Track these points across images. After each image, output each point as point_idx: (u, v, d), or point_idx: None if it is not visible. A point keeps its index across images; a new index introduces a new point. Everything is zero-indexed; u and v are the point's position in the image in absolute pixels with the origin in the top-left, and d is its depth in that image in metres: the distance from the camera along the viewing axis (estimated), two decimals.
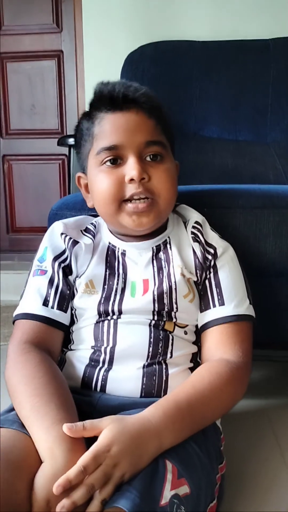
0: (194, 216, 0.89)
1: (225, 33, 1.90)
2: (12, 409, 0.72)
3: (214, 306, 0.82)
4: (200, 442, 0.70)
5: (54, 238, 0.86)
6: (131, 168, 0.78)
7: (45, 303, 0.81)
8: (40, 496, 0.57)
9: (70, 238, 0.85)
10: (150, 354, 0.78)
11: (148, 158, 0.81)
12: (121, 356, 0.78)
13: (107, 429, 0.61)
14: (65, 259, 0.84)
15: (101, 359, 0.79)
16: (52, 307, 0.81)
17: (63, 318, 0.82)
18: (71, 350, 0.84)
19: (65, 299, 0.83)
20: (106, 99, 0.81)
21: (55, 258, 0.84)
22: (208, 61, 1.77)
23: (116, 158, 0.80)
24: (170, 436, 0.64)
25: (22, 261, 2.41)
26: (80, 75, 2.20)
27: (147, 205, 0.80)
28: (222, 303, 0.82)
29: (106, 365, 0.78)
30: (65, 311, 0.83)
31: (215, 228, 0.90)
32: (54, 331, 0.81)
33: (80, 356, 0.81)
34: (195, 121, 1.75)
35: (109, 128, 0.81)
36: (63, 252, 0.85)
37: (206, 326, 0.83)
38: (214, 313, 0.82)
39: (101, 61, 2.03)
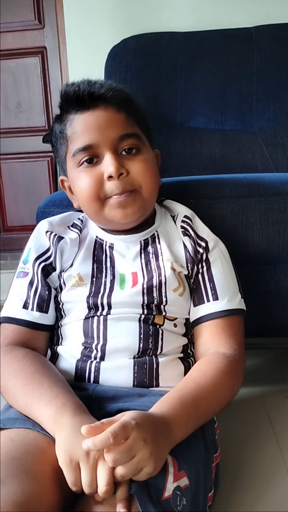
0: (182, 210, 0.90)
1: (208, 23, 1.88)
2: (7, 410, 0.73)
3: (208, 300, 0.83)
4: (197, 434, 0.71)
5: (38, 237, 0.87)
6: (108, 164, 0.78)
7: (25, 306, 0.82)
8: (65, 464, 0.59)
9: (55, 235, 0.85)
10: (140, 350, 0.79)
11: (124, 152, 0.81)
12: (112, 352, 0.78)
13: (126, 414, 0.61)
14: (49, 257, 0.84)
15: (92, 355, 0.79)
16: (32, 310, 0.82)
17: (44, 319, 0.83)
18: (61, 345, 0.84)
19: (45, 301, 0.83)
20: (73, 100, 0.81)
21: (37, 258, 0.84)
22: (192, 52, 1.76)
23: (92, 158, 0.80)
24: (179, 431, 0.65)
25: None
26: (64, 71, 2.18)
27: (129, 194, 0.80)
28: (215, 298, 0.83)
29: (98, 359, 0.79)
30: (46, 312, 0.83)
31: (202, 219, 0.90)
32: (36, 332, 0.82)
33: (71, 351, 0.81)
34: (181, 112, 1.74)
35: (80, 129, 0.81)
36: (47, 250, 0.85)
37: (200, 321, 0.83)
38: (208, 307, 0.83)
39: (84, 56, 2.01)
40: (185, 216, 0.88)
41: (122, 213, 0.81)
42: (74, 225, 0.90)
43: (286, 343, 1.37)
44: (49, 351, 0.86)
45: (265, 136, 1.66)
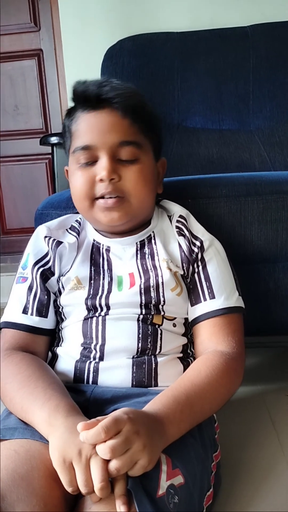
0: (177, 210, 0.90)
1: (203, 23, 1.89)
2: (7, 416, 0.73)
3: (205, 299, 0.83)
4: (194, 432, 0.71)
5: (37, 242, 0.88)
6: (101, 168, 0.79)
7: (25, 310, 0.83)
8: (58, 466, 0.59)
9: (54, 240, 0.86)
10: (139, 350, 0.79)
11: (121, 159, 0.81)
12: (111, 352, 0.79)
13: (118, 410, 0.61)
14: (47, 262, 0.85)
15: (91, 355, 0.79)
16: (32, 314, 0.83)
17: (44, 323, 0.84)
18: (60, 347, 0.84)
19: (44, 305, 0.84)
20: (81, 99, 0.82)
21: (36, 263, 0.85)
22: (188, 52, 1.76)
23: (89, 159, 0.81)
24: (173, 428, 0.65)
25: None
26: (61, 73, 2.19)
27: (116, 201, 0.80)
28: (212, 296, 0.83)
29: (97, 359, 0.79)
30: (46, 316, 0.84)
31: (200, 218, 0.90)
32: (36, 337, 0.83)
33: (70, 352, 0.82)
34: (178, 112, 1.74)
35: (83, 128, 0.81)
36: (46, 255, 0.86)
37: (197, 320, 0.83)
38: (205, 306, 0.83)
39: (81, 58, 2.02)
40: (180, 216, 0.88)
41: (108, 216, 0.82)
42: (72, 228, 0.90)
43: (286, 341, 1.37)
44: (49, 353, 0.86)
45: (262, 135, 1.66)
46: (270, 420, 1.04)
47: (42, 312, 0.84)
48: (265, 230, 0.98)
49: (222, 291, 0.83)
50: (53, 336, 0.87)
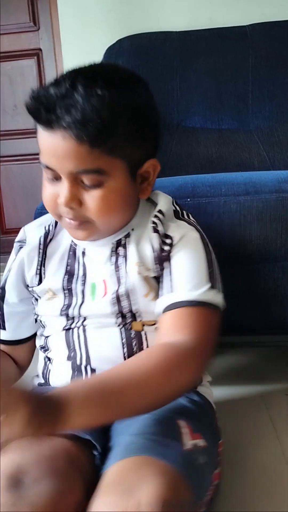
0: (160, 204, 0.82)
1: (203, 22, 1.88)
2: None
3: (162, 294, 0.77)
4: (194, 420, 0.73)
5: (14, 250, 0.89)
6: (62, 193, 0.73)
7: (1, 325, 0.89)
8: None
9: (20, 246, 0.87)
10: (125, 356, 0.77)
11: (85, 183, 0.72)
12: (99, 362, 0.77)
13: None
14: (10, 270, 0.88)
15: (82, 368, 0.78)
16: (4, 329, 0.89)
17: (5, 335, 0.90)
18: (51, 363, 0.83)
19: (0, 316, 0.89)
20: (33, 116, 0.71)
21: (7, 274, 0.88)
22: (187, 51, 1.76)
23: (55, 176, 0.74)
24: (81, 410, 0.58)
25: None
26: (60, 72, 2.18)
27: (79, 223, 0.75)
28: (171, 290, 0.75)
29: (89, 372, 0.77)
30: (4, 328, 0.90)
31: (199, 218, 0.87)
32: (14, 347, 0.91)
33: (61, 371, 0.81)
34: (178, 112, 1.74)
35: (41, 145, 0.73)
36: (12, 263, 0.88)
37: (159, 314, 0.77)
38: (165, 300, 0.75)
39: (80, 57, 1.98)
40: (159, 211, 0.80)
41: (73, 234, 0.79)
42: (52, 224, 0.86)
43: (286, 341, 1.37)
44: (44, 357, 0.86)
45: (261, 135, 1.66)
46: (270, 420, 1.03)
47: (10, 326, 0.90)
48: (264, 230, 0.98)
49: (183, 283, 0.75)
50: (34, 339, 0.91)
